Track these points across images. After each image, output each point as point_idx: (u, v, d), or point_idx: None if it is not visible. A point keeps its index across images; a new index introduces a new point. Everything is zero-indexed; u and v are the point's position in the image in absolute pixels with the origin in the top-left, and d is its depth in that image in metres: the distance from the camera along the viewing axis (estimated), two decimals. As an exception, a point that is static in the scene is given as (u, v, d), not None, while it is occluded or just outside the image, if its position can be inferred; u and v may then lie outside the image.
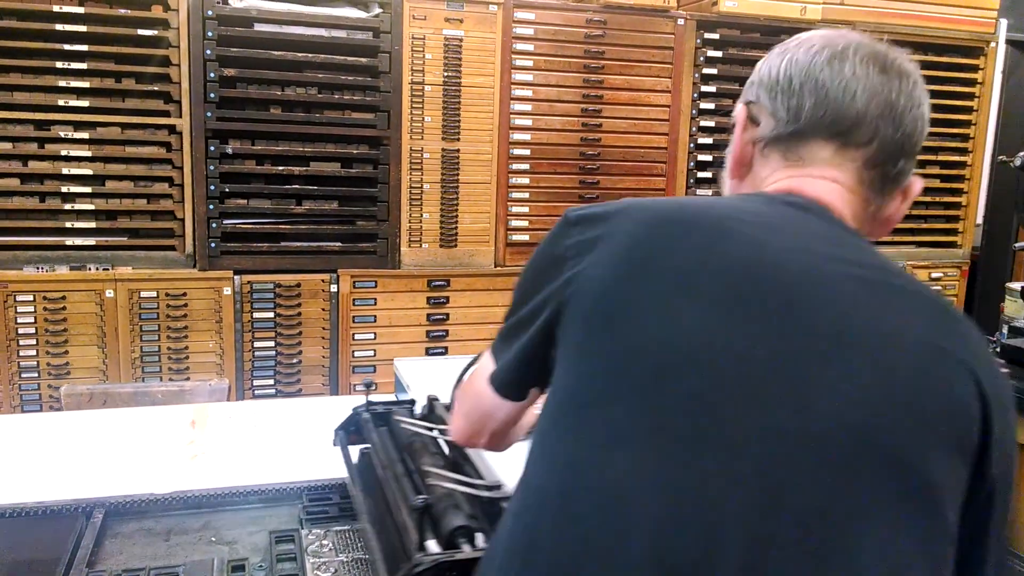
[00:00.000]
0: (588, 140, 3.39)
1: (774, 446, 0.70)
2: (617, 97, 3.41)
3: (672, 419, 0.72)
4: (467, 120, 3.23)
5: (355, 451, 1.38)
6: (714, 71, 3.53)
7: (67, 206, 2.95)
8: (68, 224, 2.97)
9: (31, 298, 2.91)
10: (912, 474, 0.71)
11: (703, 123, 3.56)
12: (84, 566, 1.21)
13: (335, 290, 3.19)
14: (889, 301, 0.77)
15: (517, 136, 3.31)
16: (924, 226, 3.95)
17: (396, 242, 3.23)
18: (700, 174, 3.59)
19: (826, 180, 0.87)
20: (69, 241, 2.97)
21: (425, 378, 2.18)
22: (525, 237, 3.38)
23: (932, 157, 3.89)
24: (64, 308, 2.96)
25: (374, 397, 1.46)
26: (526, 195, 3.36)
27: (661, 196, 3.51)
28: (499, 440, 1.04)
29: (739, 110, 0.95)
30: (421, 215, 3.24)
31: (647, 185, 3.51)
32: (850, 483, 0.69)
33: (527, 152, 3.34)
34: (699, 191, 3.60)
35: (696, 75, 3.50)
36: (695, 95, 3.52)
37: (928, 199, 3.93)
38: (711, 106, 3.56)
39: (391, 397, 1.69)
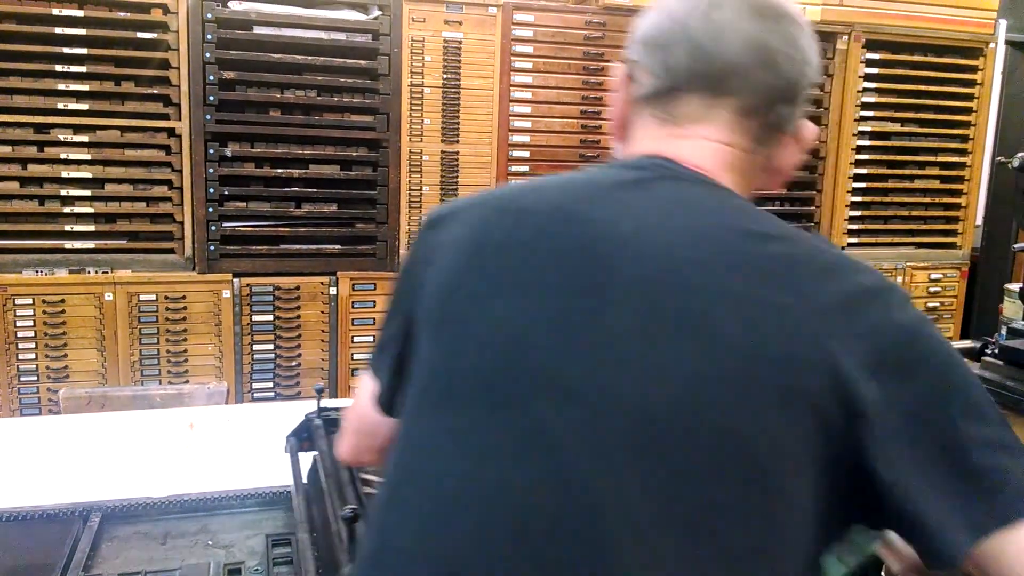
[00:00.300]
0: (588, 142, 3.39)
1: (591, 440, 0.67)
2: (616, 99, 3.40)
3: (486, 420, 0.70)
4: (466, 122, 3.23)
5: (309, 458, 1.38)
6: (713, 72, 3.52)
7: (66, 209, 2.95)
8: (67, 227, 2.97)
9: (30, 301, 2.91)
10: (743, 450, 0.66)
11: (702, 125, 3.55)
12: (80, 570, 1.21)
13: (334, 292, 3.19)
14: (748, 266, 0.72)
15: (516, 138, 3.31)
16: (923, 227, 3.95)
17: (395, 244, 3.23)
18: (699, 176, 3.58)
19: (696, 138, 0.83)
20: (68, 244, 2.98)
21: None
22: (524, 239, 3.37)
23: (932, 158, 3.89)
24: (63, 311, 2.96)
25: (331, 403, 1.47)
26: (525, 197, 3.35)
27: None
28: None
29: (619, 68, 0.90)
30: (420, 217, 3.24)
31: (646, 187, 3.50)
32: (679, 473, 0.66)
33: (526, 154, 3.33)
34: (699, 193, 3.59)
35: (695, 77, 3.49)
36: (694, 97, 3.51)
37: (928, 200, 3.93)
38: (710, 108, 3.55)
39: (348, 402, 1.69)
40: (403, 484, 0.74)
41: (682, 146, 0.83)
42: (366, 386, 0.93)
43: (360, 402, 0.95)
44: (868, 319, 0.70)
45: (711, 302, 0.70)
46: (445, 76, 3.18)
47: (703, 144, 0.83)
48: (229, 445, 1.76)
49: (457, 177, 3.25)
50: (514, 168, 3.32)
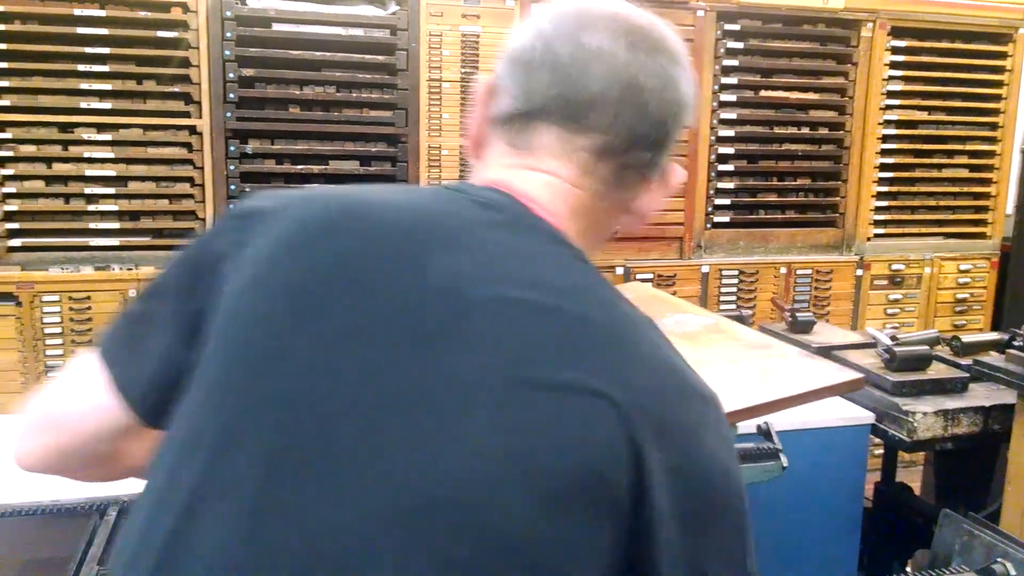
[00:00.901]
0: (607, 134, 3.36)
1: (348, 533, 0.59)
2: (636, 91, 3.38)
3: (238, 480, 0.61)
4: (485, 116, 3.21)
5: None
6: (735, 63, 3.48)
7: (91, 207, 2.99)
8: (92, 225, 3.01)
9: (57, 298, 2.96)
10: (522, 555, 0.59)
11: (724, 115, 3.52)
12: (96, 563, 1.22)
13: (355, 288, 3.20)
14: (546, 333, 0.64)
15: (535, 131, 3.29)
16: (952, 217, 3.88)
17: (415, 239, 3.23)
18: (721, 167, 3.55)
19: (541, 172, 0.75)
20: (93, 242, 3.02)
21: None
22: (544, 233, 3.36)
23: (960, 147, 3.82)
24: (89, 308, 3.00)
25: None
26: (545, 191, 3.34)
27: (680, 188, 3.48)
28: (105, 469, 0.81)
29: (482, 82, 0.82)
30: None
31: (667, 179, 3.47)
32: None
33: (545, 147, 3.32)
34: (720, 184, 3.56)
35: (716, 67, 3.46)
36: (715, 87, 3.48)
37: (956, 189, 3.86)
38: (732, 98, 3.51)
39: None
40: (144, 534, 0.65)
41: (532, 183, 0.75)
42: (86, 372, 0.75)
43: (70, 390, 0.77)
44: (684, 445, 0.64)
45: (528, 393, 0.62)
46: (463, 70, 3.18)
47: (554, 184, 0.75)
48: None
49: (476, 171, 3.24)
50: (533, 162, 3.31)
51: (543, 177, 0.75)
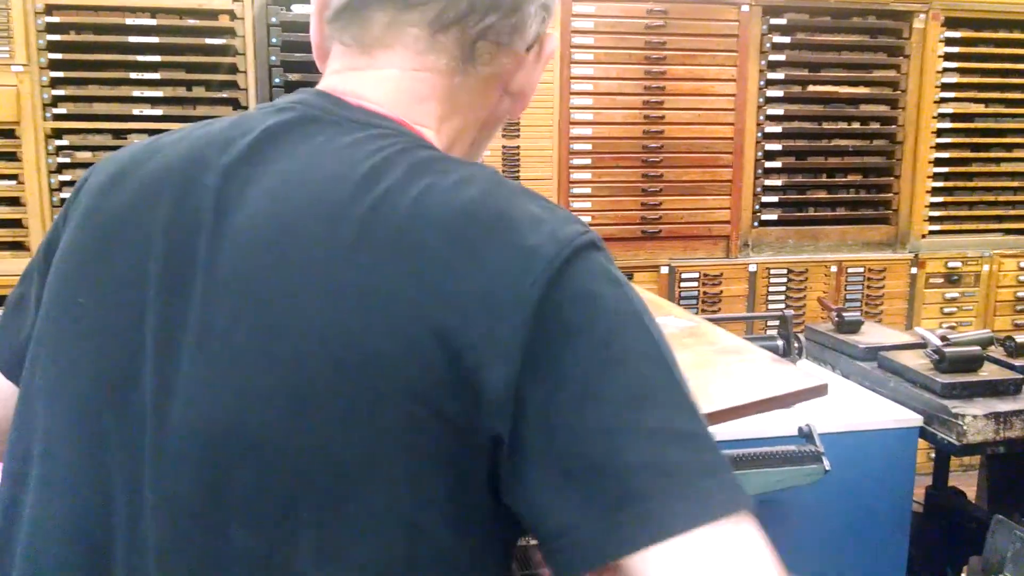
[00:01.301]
0: (651, 132, 3.34)
1: (147, 472, 0.59)
2: (680, 88, 3.35)
3: (48, 437, 0.65)
4: (527, 116, 3.21)
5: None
6: (781, 57, 3.42)
7: (144, 211, 3.07)
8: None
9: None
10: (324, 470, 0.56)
11: (771, 111, 3.45)
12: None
13: (399, 288, 3.23)
14: (346, 241, 0.58)
15: (577, 131, 3.28)
16: (1012, 213, 3.75)
17: (458, 240, 3.25)
18: (768, 164, 3.49)
19: (379, 68, 0.69)
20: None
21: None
22: (587, 232, 3.35)
23: (1019, 140, 3.69)
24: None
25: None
26: (588, 190, 3.33)
27: (723, 186, 3.44)
28: None
29: None
30: (482, 212, 3.24)
31: (713, 176, 3.43)
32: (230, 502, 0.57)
33: (588, 147, 3.31)
34: (767, 181, 3.50)
35: (763, 62, 3.41)
36: (762, 83, 3.42)
37: (1016, 184, 3.73)
38: (779, 93, 3.45)
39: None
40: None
41: (362, 79, 0.69)
42: None
43: None
44: (519, 290, 0.56)
45: (304, 295, 0.58)
46: (505, 71, 3.17)
47: (386, 74, 0.69)
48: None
49: (518, 172, 3.25)
50: (575, 161, 3.30)
51: (376, 72, 0.69)
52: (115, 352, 0.63)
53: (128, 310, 0.63)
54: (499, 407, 0.55)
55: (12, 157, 2.93)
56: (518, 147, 3.23)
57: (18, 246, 2.98)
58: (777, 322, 2.13)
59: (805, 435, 1.83)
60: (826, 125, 3.53)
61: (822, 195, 3.59)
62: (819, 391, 1.01)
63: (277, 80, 3.03)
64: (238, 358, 0.58)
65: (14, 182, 2.94)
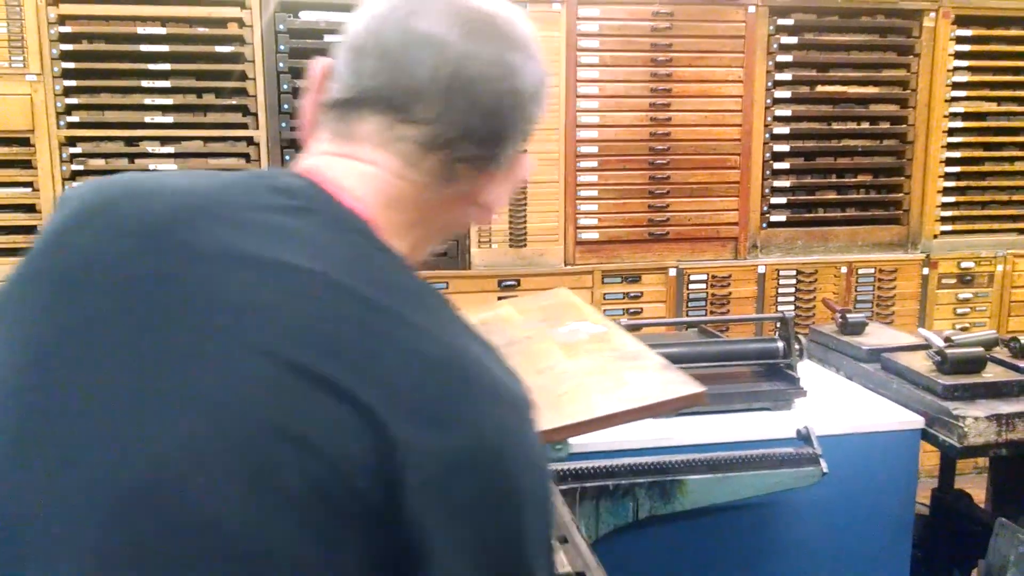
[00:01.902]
0: (658, 135, 3.34)
1: (54, 520, 0.56)
2: (687, 90, 3.35)
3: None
4: (533, 120, 3.23)
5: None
6: (789, 58, 3.41)
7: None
8: (157, 234, 3.13)
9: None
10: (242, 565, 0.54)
11: (779, 112, 3.45)
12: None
13: (407, 292, 3.25)
14: (301, 316, 0.60)
15: (584, 134, 3.29)
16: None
17: (466, 243, 3.27)
18: (777, 165, 3.48)
19: (358, 161, 0.72)
20: (158, 250, 3.14)
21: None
22: (595, 235, 3.36)
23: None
24: (155, 313, 3.13)
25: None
26: (595, 193, 3.34)
27: (731, 187, 3.43)
28: None
29: (318, 64, 0.79)
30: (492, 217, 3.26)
31: (720, 178, 3.43)
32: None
33: (595, 150, 3.31)
34: (776, 182, 3.49)
35: (770, 63, 3.40)
36: (769, 84, 3.41)
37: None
38: (787, 94, 3.44)
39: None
40: None
41: (344, 171, 0.72)
42: None
43: None
44: (455, 442, 0.59)
45: (261, 372, 0.58)
46: (511, 75, 3.19)
47: (369, 173, 0.72)
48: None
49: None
50: (582, 164, 3.31)
51: (358, 166, 0.73)
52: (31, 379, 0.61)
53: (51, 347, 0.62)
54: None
55: (27, 165, 2.98)
56: (524, 151, 3.24)
57: (33, 252, 3.03)
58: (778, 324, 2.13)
59: (803, 437, 1.84)
60: (835, 125, 3.51)
61: (832, 196, 3.57)
62: (698, 399, 1.00)
63: (285, 86, 3.07)
64: (186, 411, 0.58)
65: (29, 189, 3.00)
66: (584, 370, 1.10)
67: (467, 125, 0.72)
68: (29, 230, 3.01)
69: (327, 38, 3.09)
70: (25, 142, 2.96)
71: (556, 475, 1.64)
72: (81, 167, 3.03)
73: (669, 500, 1.71)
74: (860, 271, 3.54)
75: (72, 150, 3.00)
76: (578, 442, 1.81)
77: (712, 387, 2.02)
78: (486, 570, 0.60)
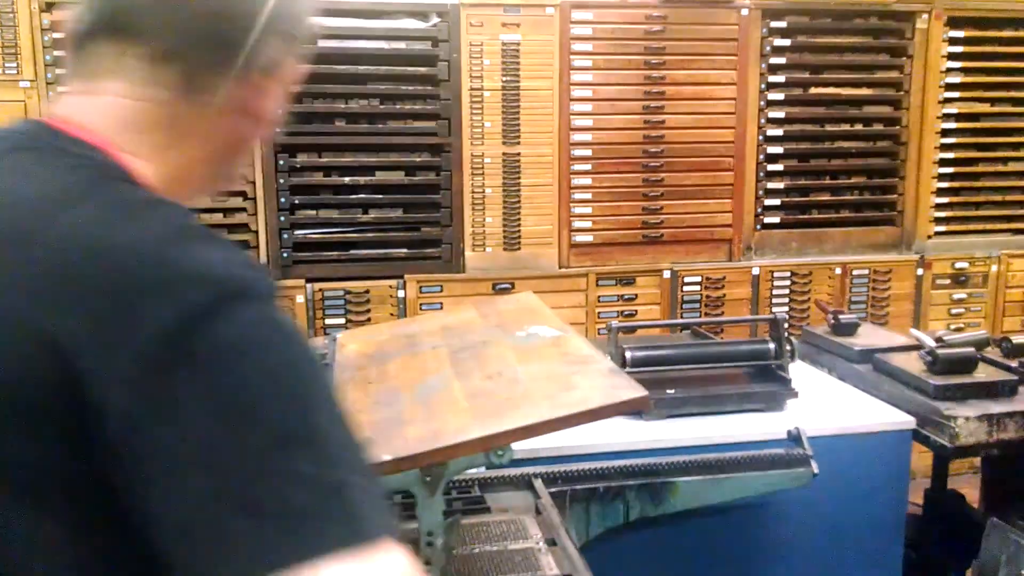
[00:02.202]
0: (651, 137, 3.35)
1: None
2: (680, 92, 3.36)
3: None
4: (527, 123, 3.24)
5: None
6: (782, 60, 3.42)
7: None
8: (152, 239, 3.14)
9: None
10: None
11: (772, 114, 3.45)
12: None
13: (402, 295, 3.26)
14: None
15: (578, 137, 3.30)
16: (1020, 212, 3.72)
17: (460, 247, 3.27)
18: (771, 167, 3.49)
19: (96, 95, 0.71)
20: (153, 255, 3.14)
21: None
22: (589, 238, 3.36)
23: (1027, 139, 3.66)
24: (150, 318, 3.13)
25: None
26: (588, 195, 3.35)
27: (725, 189, 3.44)
28: None
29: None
30: (484, 219, 3.27)
31: (714, 180, 3.43)
32: None
33: (588, 152, 3.32)
34: (770, 184, 3.50)
35: (763, 65, 3.41)
36: (762, 86, 3.42)
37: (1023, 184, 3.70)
38: (780, 96, 3.45)
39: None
40: None
41: (80, 105, 0.71)
42: None
43: None
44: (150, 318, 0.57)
45: None
46: (504, 78, 3.21)
47: (103, 102, 0.71)
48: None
49: (519, 178, 3.27)
50: (576, 167, 3.32)
51: (90, 99, 0.71)
52: None
53: None
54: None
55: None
56: (519, 154, 3.25)
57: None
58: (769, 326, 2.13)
59: (794, 438, 1.84)
60: (829, 127, 3.52)
61: (825, 197, 3.58)
62: (641, 403, 1.01)
63: (279, 91, 3.08)
64: None
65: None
66: (533, 375, 1.10)
67: (193, 31, 0.71)
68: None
69: (322, 43, 3.10)
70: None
71: (545, 478, 1.65)
72: (76, 173, 3.03)
73: (660, 502, 1.71)
74: (854, 272, 3.54)
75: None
76: (567, 444, 1.82)
77: (704, 389, 2.04)
78: (206, 472, 0.55)
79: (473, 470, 1.85)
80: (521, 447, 1.83)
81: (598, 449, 1.83)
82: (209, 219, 3.15)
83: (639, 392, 0.96)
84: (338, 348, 1.45)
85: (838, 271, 3.53)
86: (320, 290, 3.22)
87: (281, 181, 3.14)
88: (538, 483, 1.63)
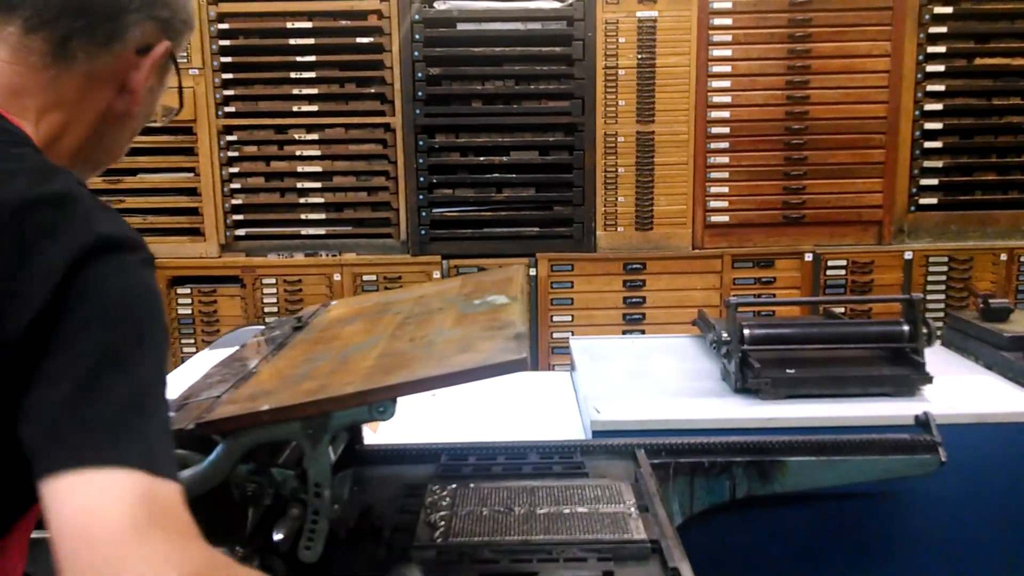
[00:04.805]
0: (794, 114, 3.22)
1: None
2: (827, 66, 3.20)
3: None
4: (661, 101, 3.20)
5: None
6: (943, 29, 3.18)
7: (302, 200, 3.34)
8: (303, 216, 3.36)
9: (273, 281, 3.34)
10: None
11: (931, 88, 3.22)
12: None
13: (533, 273, 3.31)
14: None
15: (715, 114, 3.22)
16: None
17: (592, 226, 3.28)
18: (927, 144, 3.26)
19: None
20: (304, 231, 3.37)
21: (594, 356, 2.23)
22: (725, 218, 3.28)
23: None
24: (300, 289, 3.35)
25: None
26: (726, 175, 3.26)
27: (875, 168, 3.26)
28: None
29: None
30: (616, 199, 3.26)
31: (863, 158, 3.25)
32: None
33: (726, 130, 3.24)
34: (926, 162, 3.27)
35: (921, 35, 3.18)
36: (920, 57, 3.20)
37: None
38: (940, 68, 3.22)
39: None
40: None
41: None
42: None
43: None
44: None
45: None
46: (639, 56, 3.17)
47: None
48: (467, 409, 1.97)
49: (653, 157, 3.23)
50: (713, 145, 3.24)
51: None
52: None
53: None
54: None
55: (190, 152, 3.28)
56: (652, 132, 3.22)
57: (195, 232, 3.33)
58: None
59: (922, 423, 1.73)
60: (996, 101, 3.24)
61: (991, 176, 3.30)
62: (519, 365, 0.96)
63: (420, 75, 3.20)
64: None
65: (191, 174, 3.29)
66: (448, 339, 1.10)
67: (62, 3, 0.80)
68: (192, 212, 3.30)
69: (460, 26, 3.19)
70: (188, 131, 3.25)
71: (648, 449, 1.64)
72: (236, 153, 3.28)
73: (768, 481, 1.66)
74: (1022, 259, 3.25)
75: (228, 138, 3.26)
76: (672, 418, 1.81)
77: (825, 370, 1.95)
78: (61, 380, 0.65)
79: (575, 437, 1.88)
80: (627, 418, 1.84)
81: (709, 426, 1.80)
82: (355, 197, 3.33)
83: (518, 355, 0.94)
84: (324, 312, 1.53)
85: (1003, 257, 3.26)
86: (455, 266, 3.33)
87: (420, 161, 3.27)
88: (640, 454, 1.62)
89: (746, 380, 1.91)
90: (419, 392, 0.98)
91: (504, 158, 3.27)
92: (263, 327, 1.77)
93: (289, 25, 3.21)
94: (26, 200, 0.69)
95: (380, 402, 1.00)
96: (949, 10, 3.17)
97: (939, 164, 3.28)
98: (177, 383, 1.22)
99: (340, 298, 3.29)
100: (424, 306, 1.36)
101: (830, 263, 3.28)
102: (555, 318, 3.34)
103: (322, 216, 3.36)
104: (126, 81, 0.86)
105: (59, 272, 0.66)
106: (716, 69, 3.20)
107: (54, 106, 0.83)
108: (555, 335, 3.35)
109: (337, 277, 3.34)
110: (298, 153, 3.30)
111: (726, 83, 3.21)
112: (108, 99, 0.86)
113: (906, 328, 1.97)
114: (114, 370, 0.66)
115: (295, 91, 3.26)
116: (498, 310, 1.18)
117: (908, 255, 3.27)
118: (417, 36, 3.18)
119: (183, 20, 0.90)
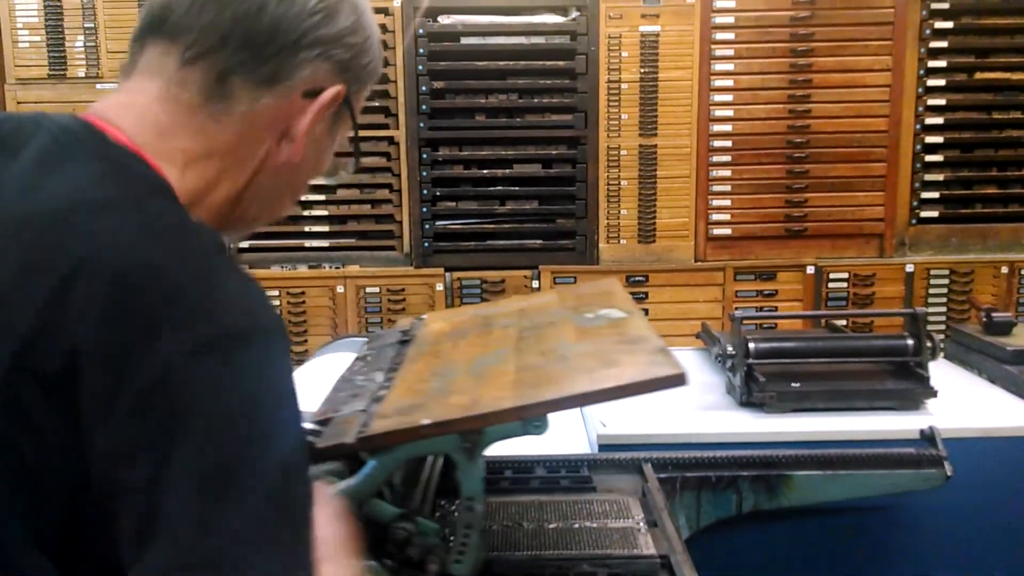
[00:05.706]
0: (796, 128, 3.24)
1: None
2: (828, 80, 3.22)
3: None
4: (664, 115, 3.22)
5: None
6: (943, 44, 3.20)
7: (305, 212, 3.35)
8: (307, 228, 3.37)
9: (277, 293, 3.34)
10: None
11: (931, 102, 3.24)
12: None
13: (536, 285, 3.32)
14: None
15: (718, 128, 3.24)
16: None
17: (594, 238, 3.30)
18: (928, 157, 3.28)
19: (130, 93, 0.71)
20: (308, 243, 3.37)
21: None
22: (727, 231, 3.29)
23: None
24: (303, 302, 3.36)
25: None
26: (728, 188, 3.28)
27: (876, 181, 3.28)
28: None
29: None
30: (619, 211, 3.28)
31: (864, 171, 3.27)
32: None
33: (728, 144, 3.25)
34: (927, 176, 3.29)
35: (922, 50, 3.21)
36: (921, 72, 3.22)
37: None
38: (941, 82, 3.24)
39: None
40: None
41: (116, 104, 0.71)
42: None
43: None
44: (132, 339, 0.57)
45: None
46: (643, 70, 3.19)
47: (133, 100, 0.70)
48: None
49: (655, 170, 3.25)
50: (715, 159, 3.25)
51: (127, 97, 0.71)
52: None
53: None
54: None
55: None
56: (655, 145, 3.23)
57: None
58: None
59: (927, 438, 1.74)
60: (996, 115, 3.26)
61: (992, 190, 3.32)
62: (676, 380, 0.96)
63: (424, 88, 3.21)
64: None
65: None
66: (582, 353, 1.10)
67: (221, 30, 0.69)
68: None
69: (463, 40, 3.21)
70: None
71: (655, 463, 1.65)
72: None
73: (775, 495, 1.67)
74: (1023, 271, 3.27)
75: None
76: (682, 432, 1.81)
77: (831, 384, 1.96)
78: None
79: (581, 451, 1.88)
80: (633, 432, 1.85)
81: (715, 440, 1.81)
82: (359, 210, 3.34)
83: (675, 370, 0.94)
84: (423, 326, 1.52)
85: (1004, 270, 3.27)
86: (458, 279, 3.34)
87: (424, 174, 3.28)
88: (647, 468, 1.63)
89: (751, 394, 1.92)
90: (573, 408, 1.00)
91: (507, 171, 3.28)
92: (365, 337, 1.79)
93: (294, 39, 3.22)
94: (147, 267, 0.59)
95: (536, 417, 1.01)
96: (950, 25, 3.19)
97: (940, 177, 3.29)
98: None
99: (349, 309, 3.30)
100: (531, 319, 1.36)
101: (832, 276, 3.30)
102: (558, 330, 3.34)
103: (325, 228, 3.37)
104: (289, 127, 0.74)
105: (170, 366, 0.56)
106: (718, 83, 3.22)
107: (205, 153, 0.71)
108: (558, 347, 3.35)
109: (340, 289, 3.34)
110: (302, 166, 3.30)
111: (728, 97, 3.23)
112: (268, 147, 0.74)
113: (910, 342, 1.98)
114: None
115: (299, 104, 3.26)
116: (619, 324, 1.18)
117: (909, 268, 3.28)
118: (421, 50, 3.20)
119: (364, 65, 0.78)
